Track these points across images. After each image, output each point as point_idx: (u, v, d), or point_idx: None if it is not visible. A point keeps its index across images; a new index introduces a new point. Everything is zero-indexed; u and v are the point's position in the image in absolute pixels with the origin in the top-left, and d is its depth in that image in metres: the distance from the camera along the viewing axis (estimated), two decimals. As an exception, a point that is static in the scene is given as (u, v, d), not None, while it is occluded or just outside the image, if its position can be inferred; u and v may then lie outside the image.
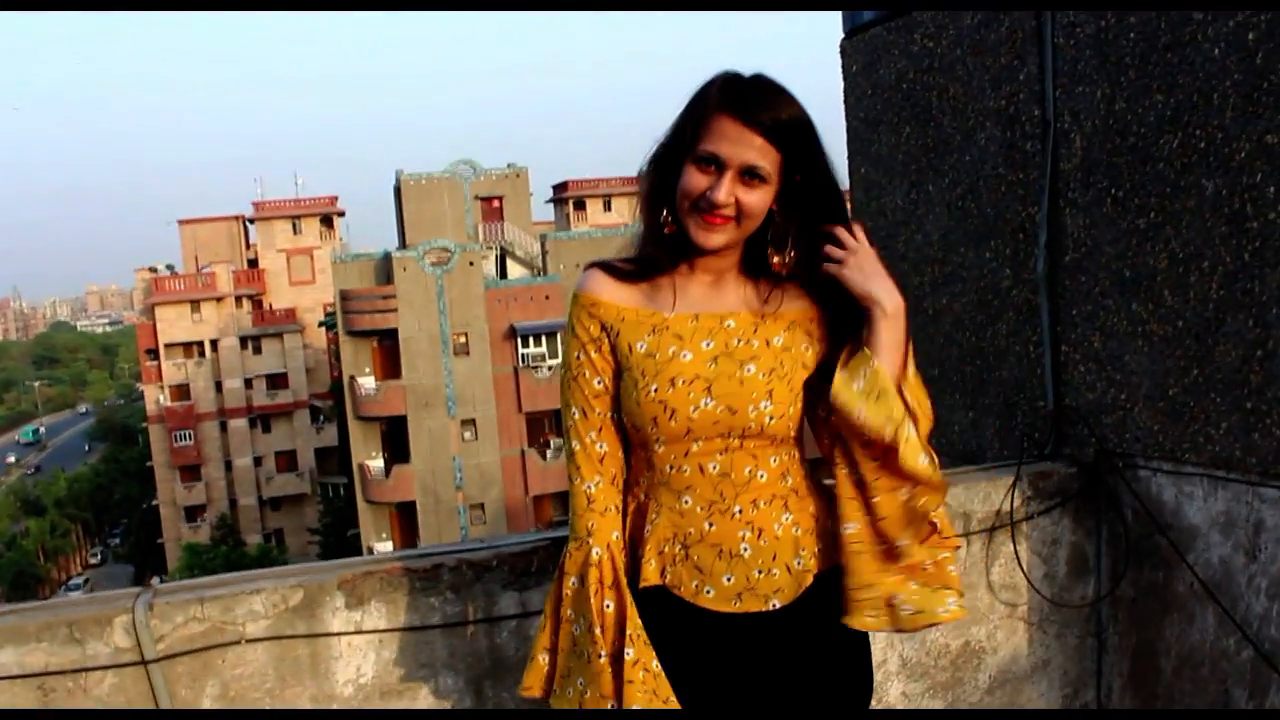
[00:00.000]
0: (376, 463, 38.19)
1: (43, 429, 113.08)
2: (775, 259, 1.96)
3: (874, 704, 2.12)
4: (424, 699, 2.58)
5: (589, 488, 1.99)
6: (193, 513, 56.20)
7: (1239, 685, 2.72)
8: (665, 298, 1.97)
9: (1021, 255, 3.27)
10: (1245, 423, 2.62)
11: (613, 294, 1.98)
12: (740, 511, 1.96)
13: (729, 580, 1.95)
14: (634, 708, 1.88)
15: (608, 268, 2.00)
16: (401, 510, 38.25)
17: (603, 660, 1.91)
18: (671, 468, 1.97)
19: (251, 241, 62.23)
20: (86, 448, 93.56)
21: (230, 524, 53.59)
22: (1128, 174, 2.89)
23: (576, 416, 2.00)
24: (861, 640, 2.07)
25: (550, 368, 36.74)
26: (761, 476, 1.96)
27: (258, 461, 56.64)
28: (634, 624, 1.92)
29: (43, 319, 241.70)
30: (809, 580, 1.99)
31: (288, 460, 57.06)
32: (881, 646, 2.93)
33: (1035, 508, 3.05)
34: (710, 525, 1.96)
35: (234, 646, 2.46)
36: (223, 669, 2.46)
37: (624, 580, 1.96)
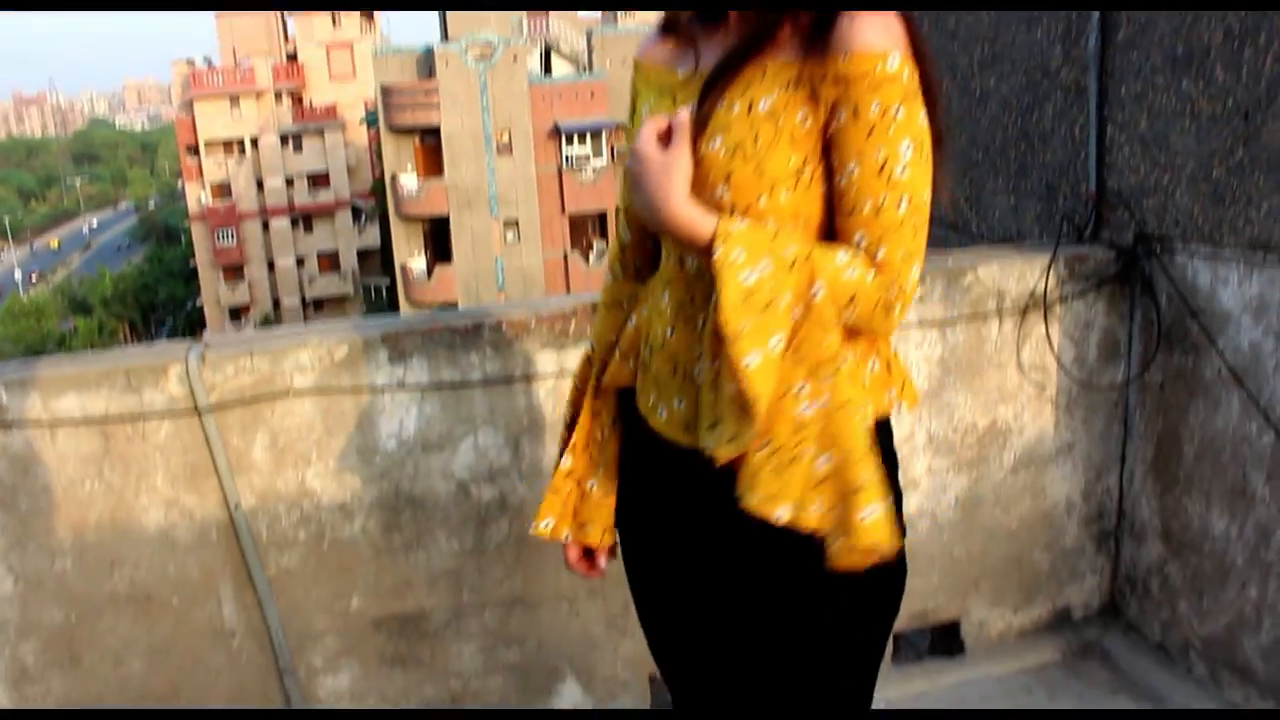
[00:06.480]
0: (419, 263, 38.25)
1: (89, 227, 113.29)
2: None
3: (900, 478, 1.62)
4: (464, 453, 2.68)
5: (607, 278, 1.78)
6: (237, 313, 56.86)
7: (1257, 469, 2.77)
8: (684, 53, 1.59)
9: (1074, 33, 3.19)
10: (1287, 204, 2.59)
11: (648, 51, 1.67)
12: (704, 323, 1.49)
13: (679, 405, 1.56)
14: (546, 518, 1.76)
15: (666, 21, 1.65)
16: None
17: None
18: (665, 256, 1.62)
19: (290, 35, 61.04)
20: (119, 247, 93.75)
21: (274, 325, 54.31)
22: (1188, -55, 2.79)
23: (620, 199, 1.72)
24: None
25: (595, 169, 36.13)
26: None
27: (300, 262, 56.85)
28: (581, 431, 1.76)
29: (80, 115, 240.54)
30: None
31: (330, 261, 57.25)
32: (910, 421, 3.00)
33: (1070, 290, 3.05)
34: (671, 332, 1.58)
35: (282, 399, 2.56)
36: (272, 420, 2.57)
37: (594, 385, 1.75)
